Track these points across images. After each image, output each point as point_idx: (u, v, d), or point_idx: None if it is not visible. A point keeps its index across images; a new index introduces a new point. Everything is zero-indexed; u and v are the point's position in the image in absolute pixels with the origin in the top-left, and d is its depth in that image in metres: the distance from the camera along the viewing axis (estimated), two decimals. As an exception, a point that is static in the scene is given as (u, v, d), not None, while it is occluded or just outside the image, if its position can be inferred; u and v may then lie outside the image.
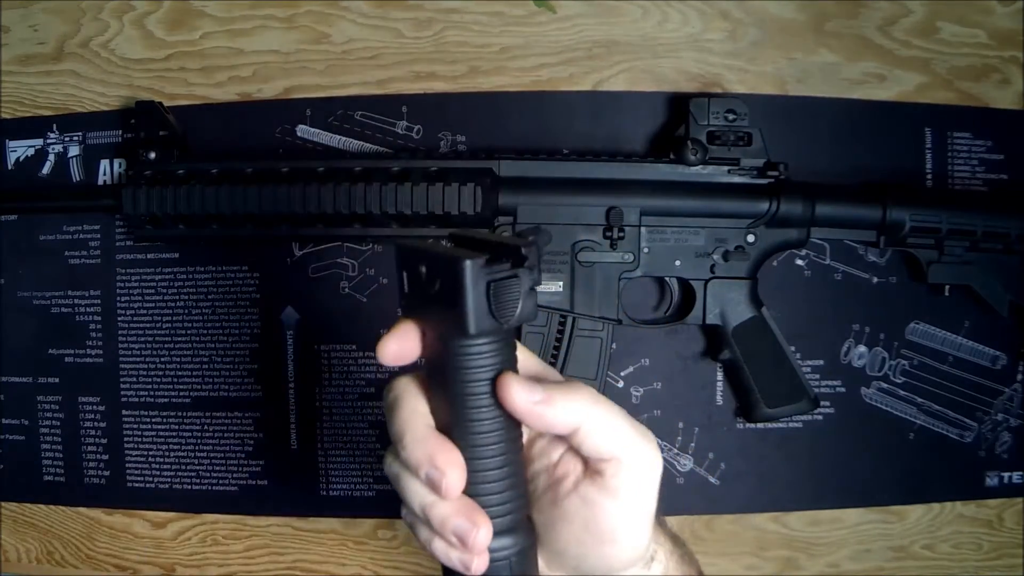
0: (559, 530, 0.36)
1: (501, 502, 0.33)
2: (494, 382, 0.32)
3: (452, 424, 0.32)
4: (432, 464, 0.32)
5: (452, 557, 0.33)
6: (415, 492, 0.33)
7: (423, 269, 0.31)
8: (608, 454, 0.34)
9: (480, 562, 0.32)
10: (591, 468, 0.35)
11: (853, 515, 0.65)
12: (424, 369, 0.34)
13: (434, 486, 0.32)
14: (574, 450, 0.35)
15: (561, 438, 0.35)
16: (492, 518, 0.33)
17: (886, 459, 0.64)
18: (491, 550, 0.33)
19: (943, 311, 0.64)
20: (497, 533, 0.33)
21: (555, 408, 0.32)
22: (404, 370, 0.35)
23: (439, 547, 0.33)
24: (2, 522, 0.67)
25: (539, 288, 0.33)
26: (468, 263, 0.29)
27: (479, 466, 0.33)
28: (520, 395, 0.32)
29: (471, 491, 0.33)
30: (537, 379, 0.33)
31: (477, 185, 0.57)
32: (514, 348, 0.33)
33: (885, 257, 0.64)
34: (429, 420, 0.33)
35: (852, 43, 0.64)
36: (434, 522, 0.33)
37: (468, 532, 0.32)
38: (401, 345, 0.33)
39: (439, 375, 0.33)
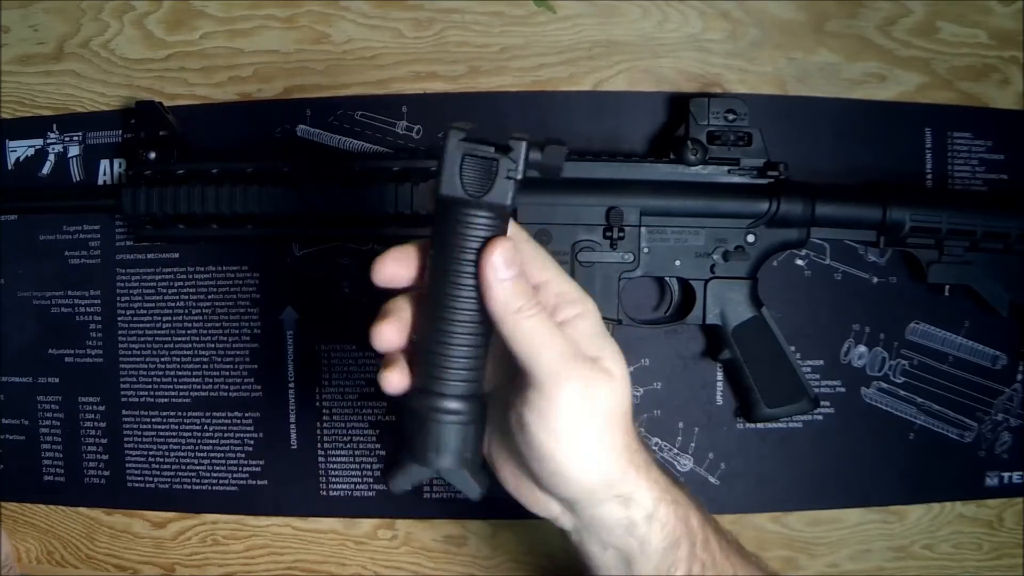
0: (514, 442, 0.38)
1: (452, 367, 0.36)
2: (470, 251, 0.35)
3: (427, 279, 0.36)
4: (379, 315, 0.38)
5: (383, 375, 0.37)
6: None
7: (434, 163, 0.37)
8: (527, 363, 0.35)
9: (390, 377, 0.36)
10: (522, 379, 0.37)
11: (853, 515, 0.65)
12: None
13: (376, 325, 0.37)
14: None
15: None
16: (438, 383, 0.36)
17: (886, 459, 0.64)
18: (434, 408, 0.36)
19: (943, 311, 0.64)
20: (443, 395, 0.36)
21: (502, 290, 0.35)
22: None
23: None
24: (3, 522, 0.67)
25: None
26: (452, 131, 0.35)
27: (438, 326, 0.36)
28: (497, 259, 0.34)
29: (426, 348, 0.36)
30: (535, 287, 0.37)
31: (477, 185, 0.57)
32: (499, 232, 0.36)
33: (885, 257, 0.64)
34: (406, 311, 0.38)
35: (852, 43, 0.64)
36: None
37: (382, 373, 0.37)
38: (398, 265, 0.38)
39: (432, 240, 0.36)
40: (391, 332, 0.38)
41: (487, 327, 0.36)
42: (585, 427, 0.36)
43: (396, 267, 0.37)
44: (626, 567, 0.40)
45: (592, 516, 0.39)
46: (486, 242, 0.35)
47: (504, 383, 0.40)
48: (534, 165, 0.35)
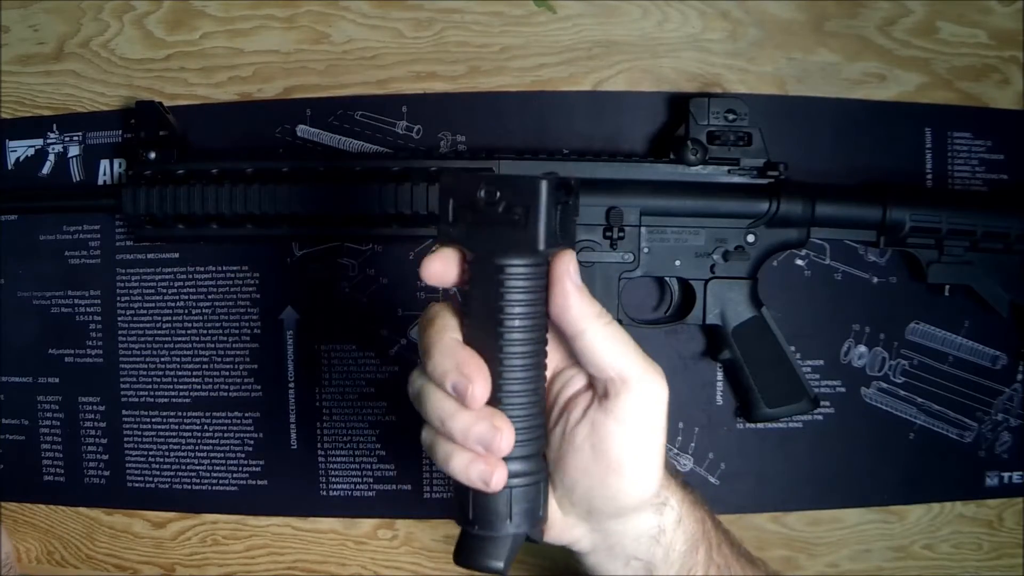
0: (568, 463, 0.37)
1: (524, 428, 0.34)
2: (538, 303, 0.34)
3: (487, 345, 0.34)
4: (459, 372, 0.33)
5: (472, 472, 0.33)
6: (438, 404, 0.34)
7: (482, 193, 0.32)
8: (615, 371, 0.35)
9: (500, 475, 0.33)
10: (599, 392, 0.36)
11: (853, 515, 0.65)
12: (460, 298, 0.35)
13: (460, 393, 0.33)
14: (587, 380, 0.37)
15: (576, 374, 0.38)
16: (531, 441, 0.34)
17: (886, 459, 0.64)
18: (526, 473, 0.34)
19: (943, 311, 0.64)
20: (516, 458, 0.34)
21: (584, 299, 0.34)
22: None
23: (458, 463, 0.33)
24: (3, 522, 0.67)
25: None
26: (543, 183, 0.32)
27: (507, 388, 0.34)
28: (573, 271, 0.34)
29: (514, 405, 0.34)
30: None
31: (477, 185, 0.57)
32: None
33: (885, 257, 0.64)
34: (459, 336, 0.35)
35: (852, 43, 0.64)
36: (456, 432, 0.33)
37: (492, 436, 0.33)
38: (444, 266, 0.35)
39: (479, 300, 0.34)
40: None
41: (544, 374, 0.36)
42: (657, 433, 0.37)
43: (443, 265, 0.35)
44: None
45: (623, 531, 0.38)
46: (554, 259, 0.34)
47: None
48: None
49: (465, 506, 0.35)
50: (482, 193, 0.33)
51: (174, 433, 0.65)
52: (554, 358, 0.38)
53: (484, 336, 0.34)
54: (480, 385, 0.33)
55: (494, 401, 0.34)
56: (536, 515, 0.35)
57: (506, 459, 0.34)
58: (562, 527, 0.39)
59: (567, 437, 0.37)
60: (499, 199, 0.32)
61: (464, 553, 0.35)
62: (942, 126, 0.64)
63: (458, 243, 0.34)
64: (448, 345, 0.34)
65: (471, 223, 0.33)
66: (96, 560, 0.67)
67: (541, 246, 0.32)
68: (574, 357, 0.37)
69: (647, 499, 0.38)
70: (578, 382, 0.38)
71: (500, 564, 0.34)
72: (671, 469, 0.40)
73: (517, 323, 0.34)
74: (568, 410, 0.38)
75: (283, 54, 0.64)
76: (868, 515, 0.65)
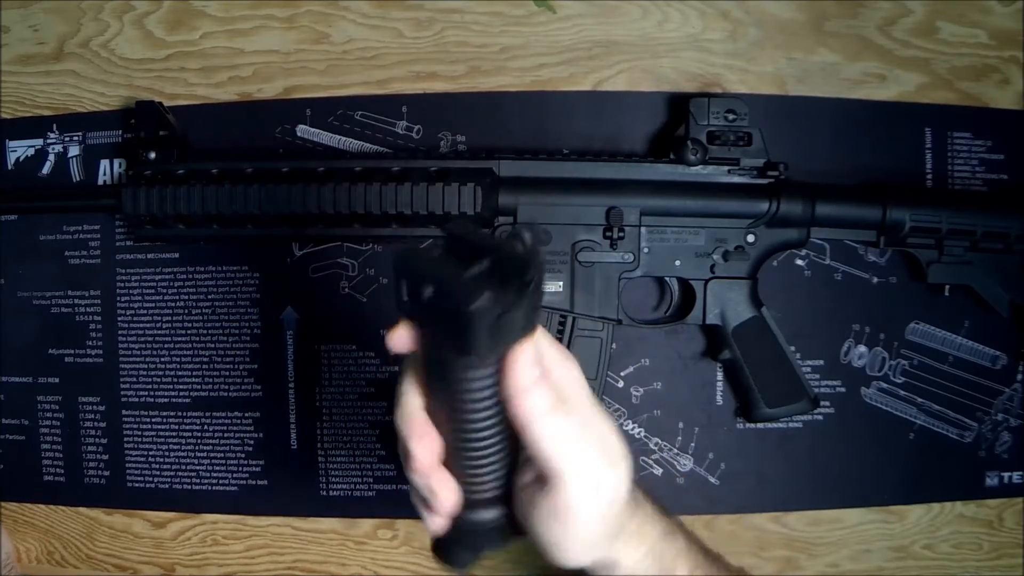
0: (523, 512, 0.38)
1: (477, 483, 0.36)
2: (486, 390, 0.33)
3: (441, 412, 0.35)
4: (405, 443, 0.36)
5: (424, 514, 0.38)
6: (401, 444, 0.37)
7: (429, 290, 0.30)
8: (547, 467, 0.35)
9: (439, 522, 0.37)
10: (540, 477, 0.36)
11: (853, 515, 0.65)
12: (420, 359, 0.35)
13: (403, 458, 0.36)
14: None
15: None
16: (470, 493, 0.36)
17: (886, 459, 0.64)
18: (465, 520, 0.37)
19: (943, 311, 0.64)
20: (471, 506, 0.37)
21: (529, 397, 0.34)
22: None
23: (416, 503, 0.38)
24: (3, 522, 0.67)
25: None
26: (476, 308, 0.29)
27: (462, 450, 0.35)
28: (520, 370, 0.33)
29: (455, 464, 0.36)
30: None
31: (477, 185, 0.57)
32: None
33: (885, 257, 0.64)
34: (418, 403, 0.36)
35: (852, 43, 0.64)
36: (412, 478, 0.37)
37: (431, 497, 0.36)
38: (404, 341, 0.35)
39: (431, 374, 0.35)
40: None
41: (503, 433, 0.36)
42: (594, 523, 0.37)
43: (402, 341, 0.35)
44: None
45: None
46: (507, 355, 0.33)
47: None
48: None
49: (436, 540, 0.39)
50: (428, 289, 0.30)
51: (174, 433, 0.65)
52: None
53: (439, 406, 0.35)
54: (419, 459, 0.36)
55: (453, 455, 0.36)
56: (499, 543, 0.38)
57: (467, 511, 0.37)
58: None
59: (519, 490, 0.38)
60: (439, 298, 0.30)
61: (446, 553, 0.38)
62: (942, 126, 0.64)
63: (417, 322, 0.33)
64: (405, 410, 0.36)
65: (420, 308, 0.31)
66: (96, 560, 0.67)
67: (475, 364, 0.32)
68: None
69: (589, 563, 0.39)
70: None
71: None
72: (641, 527, 0.40)
73: (466, 407, 0.34)
74: (524, 465, 0.38)
75: (283, 54, 0.64)
76: (868, 515, 0.65)
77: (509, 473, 0.37)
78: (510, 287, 0.30)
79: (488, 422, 0.34)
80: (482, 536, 0.38)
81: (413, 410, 0.36)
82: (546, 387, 0.35)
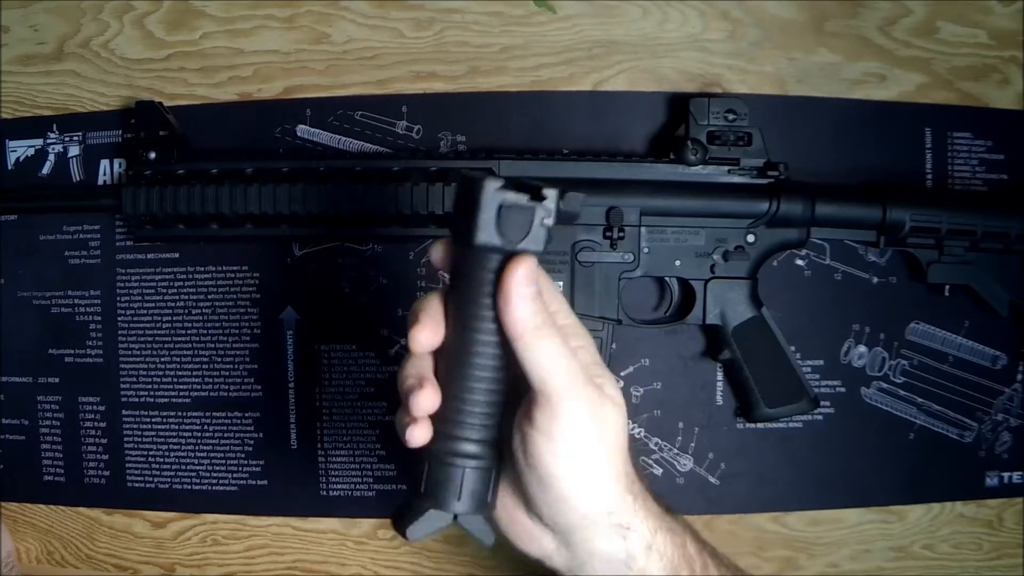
0: (516, 469, 0.37)
1: (472, 414, 0.36)
2: (487, 296, 0.35)
3: (453, 327, 0.36)
4: (413, 317, 0.36)
5: (399, 425, 0.36)
6: (403, 367, 0.37)
7: (461, 190, 0.35)
8: (538, 383, 0.35)
9: (418, 433, 0.35)
10: (531, 400, 0.36)
11: (853, 515, 0.65)
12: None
13: (408, 336, 0.36)
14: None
15: None
16: (461, 428, 0.36)
17: (886, 459, 0.64)
18: (457, 453, 0.36)
19: (943, 311, 0.64)
20: (466, 439, 0.36)
21: (523, 307, 0.34)
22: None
23: (397, 418, 0.37)
24: (2, 522, 0.67)
25: None
26: (486, 181, 0.33)
27: (459, 374, 0.36)
28: (520, 276, 0.34)
29: (449, 395, 0.36)
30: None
31: (477, 185, 0.57)
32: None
33: (885, 257, 0.64)
34: (438, 308, 0.36)
35: (852, 43, 0.64)
36: (399, 388, 0.36)
37: (414, 391, 0.35)
38: (439, 253, 0.37)
39: (451, 285, 0.37)
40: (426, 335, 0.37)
41: (505, 371, 0.36)
42: (591, 450, 0.36)
43: (438, 252, 0.37)
44: None
45: (589, 551, 0.38)
46: (507, 261, 0.34)
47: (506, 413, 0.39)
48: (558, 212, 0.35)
49: (414, 479, 0.37)
50: (459, 185, 0.35)
51: (174, 433, 0.65)
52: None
53: (452, 320, 0.36)
54: (422, 331, 0.35)
55: (448, 385, 0.36)
56: (481, 499, 0.37)
57: (453, 438, 0.36)
58: (531, 534, 0.39)
59: (512, 436, 0.37)
60: (462, 196, 0.35)
61: (400, 520, 0.37)
62: (942, 126, 0.64)
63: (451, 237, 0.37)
64: (419, 307, 0.37)
65: (456, 217, 0.35)
66: (96, 560, 0.67)
67: (476, 240, 0.34)
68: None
69: (594, 518, 0.37)
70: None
71: (422, 535, 0.36)
72: (643, 498, 0.39)
73: (466, 310, 0.35)
74: (518, 410, 0.38)
75: (283, 54, 0.64)
76: (868, 515, 0.65)
77: (499, 421, 0.37)
78: (521, 192, 0.34)
79: (486, 335, 0.35)
80: (457, 486, 0.36)
81: (432, 305, 0.36)
82: (541, 306, 0.35)
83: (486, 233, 0.34)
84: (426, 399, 0.35)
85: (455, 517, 0.36)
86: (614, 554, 0.38)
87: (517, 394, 0.37)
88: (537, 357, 0.35)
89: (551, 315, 0.36)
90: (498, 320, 0.35)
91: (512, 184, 0.34)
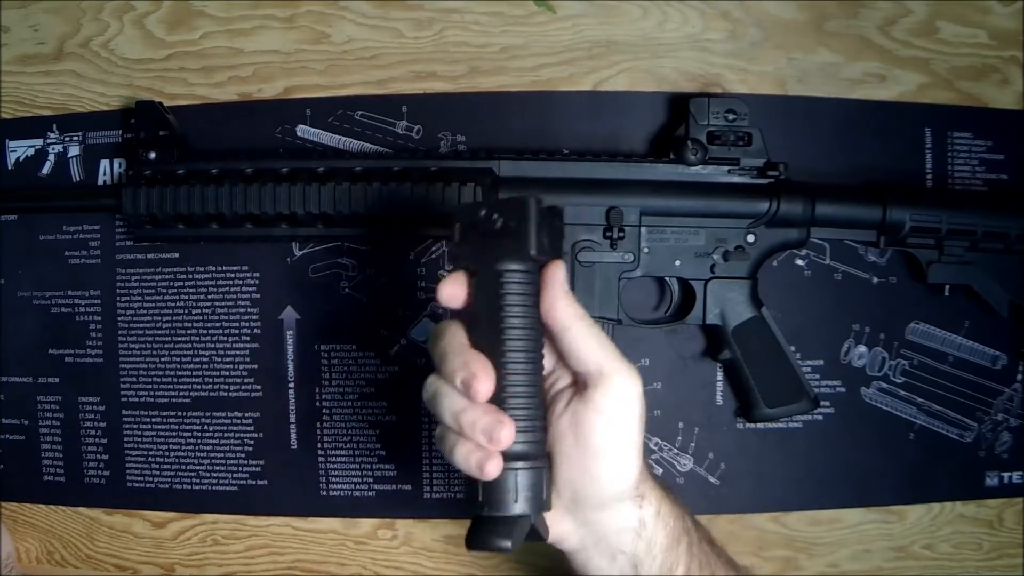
0: (553, 451, 0.40)
1: (525, 418, 0.38)
2: (532, 305, 0.39)
3: (490, 347, 0.38)
4: (467, 369, 0.37)
5: (472, 460, 0.37)
6: (450, 401, 0.38)
7: (483, 213, 0.39)
8: (593, 365, 0.39)
9: (495, 464, 0.37)
10: (580, 385, 0.41)
11: (853, 515, 0.65)
12: (466, 312, 0.40)
13: (467, 387, 0.37)
14: (571, 379, 0.42)
15: (562, 374, 0.42)
16: (532, 428, 0.38)
17: (886, 459, 0.64)
18: (509, 460, 0.37)
19: (943, 311, 0.64)
20: (520, 444, 0.38)
21: (569, 302, 0.40)
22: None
23: (461, 452, 0.38)
24: (2, 522, 0.67)
25: None
26: (532, 200, 0.38)
27: (510, 383, 0.38)
28: (561, 277, 0.40)
29: (501, 405, 0.38)
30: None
31: (477, 185, 0.57)
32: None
33: (885, 257, 0.64)
34: (467, 342, 0.39)
35: (852, 43, 0.64)
36: (464, 425, 0.37)
37: (495, 428, 0.37)
38: (455, 287, 0.40)
39: (482, 307, 0.39)
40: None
41: (542, 372, 0.40)
42: (634, 420, 0.40)
43: (452, 288, 0.40)
44: (633, 572, 0.41)
45: (606, 524, 0.41)
46: (545, 267, 0.40)
47: None
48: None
49: (476, 493, 0.39)
50: (483, 213, 0.39)
51: (174, 433, 0.65)
52: (546, 362, 0.41)
53: (487, 340, 0.39)
54: (484, 381, 0.37)
55: (498, 395, 0.38)
56: (540, 499, 0.39)
57: (511, 448, 0.37)
58: (551, 519, 0.41)
59: (552, 428, 0.41)
60: (496, 218, 0.39)
61: (475, 536, 0.39)
62: (942, 126, 0.64)
63: (465, 262, 0.40)
64: (457, 349, 0.39)
65: (475, 242, 0.39)
66: (96, 560, 0.67)
67: (533, 251, 0.38)
68: (561, 360, 0.42)
69: (626, 489, 0.41)
70: (563, 381, 0.42)
71: (508, 543, 0.37)
72: (649, 471, 0.43)
73: (515, 322, 0.38)
74: (554, 404, 0.42)
75: (283, 54, 0.64)
76: (868, 515, 0.65)
77: (544, 423, 0.40)
78: (547, 210, 0.39)
79: (532, 343, 0.39)
80: (535, 487, 0.38)
81: (462, 344, 0.39)
82: (575, 299, 0.40)
83: (540, 245, 0.38)
84: (509, 433, 0.37)
85: (518, 519, 0.38)
86: (628, 524, 0.41)
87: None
88: (589, 342, 0.40)
89: None
90: (538, 322, 0.39)
91: (541, 202, 0.38)
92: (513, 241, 0.38)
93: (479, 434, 0.37)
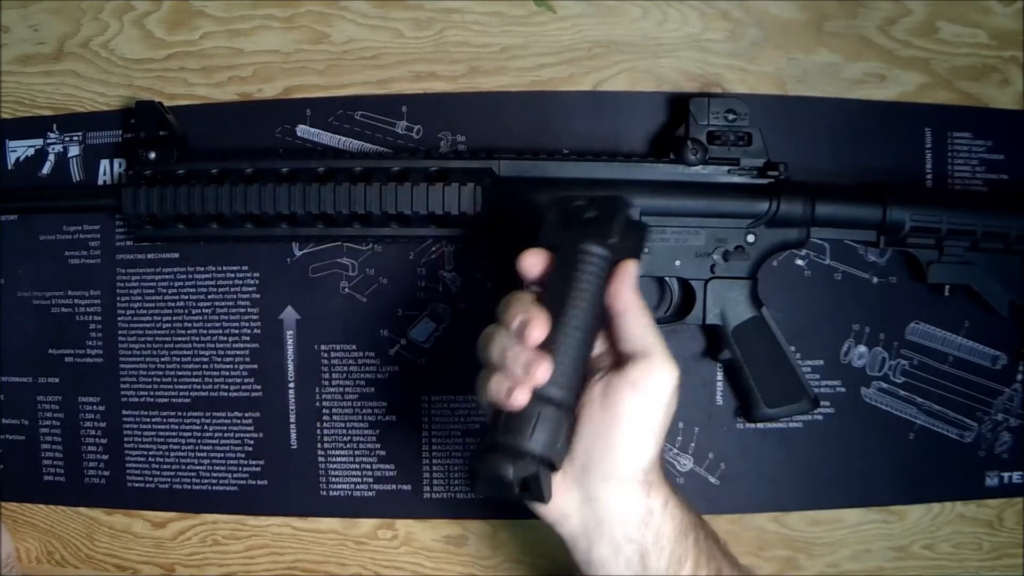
0: (580, 416, 0.42)
1: (564, 370, 0.40)
2: (599, 287, 0.43)
3: (554, 306, 0.42)
4: (526, 314, 0.40)
5: (503, 386, 0.39)
6: (501, 340, 0.41)
7: (580, 203, 0.46)
8: (640, 345, 0.43)
9: (523, 394, 0.39)
10: (621, 359, 0.43)
11: (853, 515, 0.65)
12: (539, 283, 0.44)
13: (522, 328, 0.40)
14: (613, 358, 0.44)
15: (606, 352, 0.45)
16: (573, 378, 0.41)
17: (886, 459, 0.64)
18: (537, 400, 0.39)
19: (943, 311, 0.64)
20: (547, 392, 0.40)
21: (636, 293, 0.44)
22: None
23: (494, 383, 0.40)
24: (2, 522, 0.67)
25: None
26: (622, 196, 0.48)
27: (562, 340, 0.41)
28: (633, 272, 0.44)
29: (562, 345, 0.41)
30: None
31: (477, 185, 0.57)
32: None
33: (885, 257, 0.64)
34: (534, 301, 0.42)
35: (852, 43, 0.64)
36: (508, 358, 0.40)
37: (533, 362, 0.39)
38: (536, 259, 0.44)
39: (557, 282, 0.43)
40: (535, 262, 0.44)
41: (592, 342, 0.43)
42: (664, 406, 0.42)
43: (535, 258, 0.44)
44: (641, 565, 0.41)
45: (611, 504, 0.41)
46: (621, 261, 0.44)
47: None
48: None
49: (496, 421, 0.40)
50: (580, 203, 0.46)
51: (174, 433, 0.65)
52: (597, 346, 0.45)
53: (552, 307, 0.42)
54: (538, 327, 0.40)
55: (548, 345, 0.40)
56: (554, 446, 0.40)
57: (542, 390, 0.40)
58: (558, 488, 0.41)
59: (585, 393, 0.43)
60: (590, 207, 0.46)
61: (480, 462, 0.39)
62: (942, 126, 0.64)
63: (552, 240, 0.45)
64: (522, 300, 0.42)
65: (564, 227, 0.45)
66: (96, 560, 0.67)
67: (614, 238, 0.43)
68: (612, 346, 0.45)
69: (637, 470, 0.42)
70: (606, 361, 0.45)
71: (510, 471, 0.38)
72: (664, 471, 0.44)
73: (581, 295, 0.42)
74: (591, 375, 0.44)
75: (283, 54, 0.64)
76: (868, 515, 0.65)
77: (580, 386, 0.42)
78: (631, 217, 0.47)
79: (590, 316, 0.42)
80: (553, 430, 0.40)
81: (528, 297, 0.42)
82: (641, 296, 0.44)
83: (620, 234, 0.44)
84: (545, 373, 0.39)
85: (527, 455, 0.39)
86: (634, 510, 0.42)
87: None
88: (643, 327, 0.44)
89: None
90: (601, 302, 0.43)
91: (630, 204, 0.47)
92: (600, 227, 0.44)
93: (518, 366, 0.39)
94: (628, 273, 0.44)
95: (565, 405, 0.41)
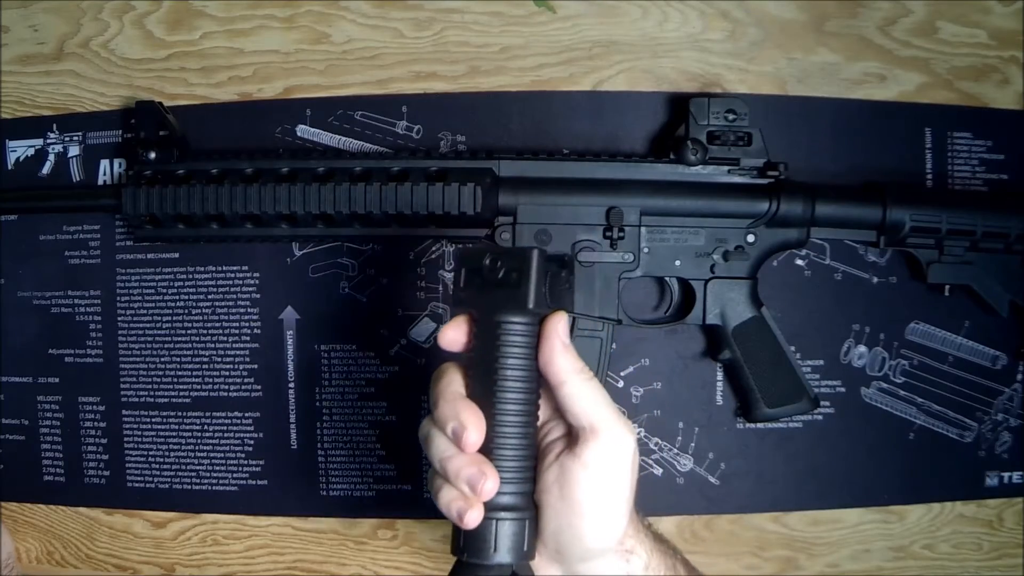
0: (541, 504, 0.40)
1: (513, 468, 0.38)
2: (529, 358, 0.39)
3: (485, 395, 0.38)
4: (457, 419, 0.37)
5: (453, 508, 0.37)
6: (439, 447, 0.38)
7: (487, 261, 0.39)
8: (587, 421, 0.39)
9: (476, 514, 0.37)
10: (571, 438, 0.40)
11: (853, 515, 0.65)
12: (466, 356, 0.40)
13: (456, 437, 0.37)
14: (565, 430, 0.41)
15: (557, 424, 0.41)
16: (521, 479, 0.38)
17: (886, 459, 0.64)
18: (492, 510, 0.37)
19: (943, 311, 0.64)
20: (505, 494, 0.37)
21: (568, 355, 0.39)
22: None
23: (444, 498, 0.38)
24: (2, 522, 0.67)
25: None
26: (535, 252, 0.38)
27: (500, 432, 0.38)
28: (561, 330, 0.39)
29: (489, 455, 0.38)
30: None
31: (477, 185, 0.57)
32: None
33: (885, 257, 0.64)
34: (462, 391, 0.39)
35: (852, 43, 0.64)
36: (450, 472, 0.37)
37: (478, 479, 0.37)
38: (456, 331, 0.40)
39: (480, 355, 0.39)
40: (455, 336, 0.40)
41: (536, 422, 0.40)
42: (623, 479, 0.39)
43: (455, 332, 0.40)
44: None
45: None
46: (546, 319, 0.39)
47: None
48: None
49: (458, 537, 0.38)
50: (487, 261, 0.39)
51: (174, 433, 0.65)
52: (543, 411, 0.41)
53: (482, 388, 0.39)
54: (473, 432, 0.37)
55: (488, 444, 0.38)
56: (521, 550, 0.38)
57: (495, 499, 0.37)
58: (537, 566, 0.41)
59: (541, 478, 0.40)
60: (499, 266, 0.39)
61: None
62: (942, 126, 0.64)
63: (467, 307, 0.40)
64: (451, 397, 0.39)
65: (477, 288, 0.39)
66: (96, 560, 0.67)
67: (531, 304, 0.37)
68: (558, 411, 0.41)
69: (610, 545, 0.40)
70: (557, 431, 0.42)
71: None
72: (642, 523, 0.43)
73: (510, 373, 0.38)
74: (546, 454, 0.41)
75: (283, 54, 0.64)
76: (868, 515, 0.65)
77: (533, 474, 0.40)
78: (549, 261, 0.39)
79: (527, 395, 0.39)
80: (516, 536, 0.38)
81: (457, 393, 0.39)
82: (576, 353, 0.39)
83: (539, 298, 0.38)
84: (492, 485, 0.37)
85: (497, 567, 0.38)
86: None
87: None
88: (584, 397, 0.39)
89: None
90: (536, 373, 0.39)
91: (544, 254, 0.38)
92: (513, 292, 0.38)
93: (462, 483, 0.37)
94: (556, 332, 0.39)
95: (521, 506, 0.38)
